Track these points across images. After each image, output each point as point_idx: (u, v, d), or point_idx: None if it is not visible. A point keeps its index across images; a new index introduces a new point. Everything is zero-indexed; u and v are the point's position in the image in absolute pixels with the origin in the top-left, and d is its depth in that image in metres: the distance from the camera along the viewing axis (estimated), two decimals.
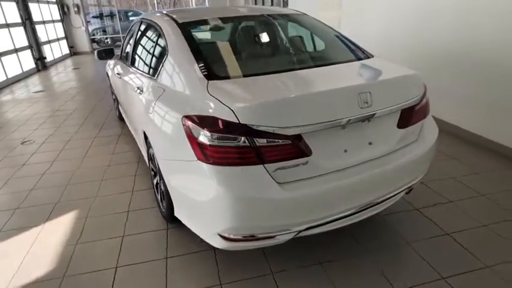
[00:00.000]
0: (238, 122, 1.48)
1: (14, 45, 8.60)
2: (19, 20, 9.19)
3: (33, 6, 10.02)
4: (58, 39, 11.78)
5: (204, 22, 2.45)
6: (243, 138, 1.48)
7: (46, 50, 10.39)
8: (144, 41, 2.89)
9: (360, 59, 2.24)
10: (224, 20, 2.51)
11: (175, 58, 2.06)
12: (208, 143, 1.51)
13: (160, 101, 2.05)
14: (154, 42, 2.53)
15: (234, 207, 1.52)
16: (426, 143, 1.98)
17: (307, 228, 1.67)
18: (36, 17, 10.16)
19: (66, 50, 12.37)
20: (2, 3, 8.29)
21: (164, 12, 2.59)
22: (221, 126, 1.50)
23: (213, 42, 2.48)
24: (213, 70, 1.88)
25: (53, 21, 11.71)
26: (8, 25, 8.51)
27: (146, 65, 2.61)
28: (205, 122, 1.55)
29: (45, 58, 10.08)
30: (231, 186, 1.51)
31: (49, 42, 10.91)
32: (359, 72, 2.09)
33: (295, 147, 1.55)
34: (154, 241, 2.27)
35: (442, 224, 2.29)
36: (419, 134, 1.99)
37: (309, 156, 1.59)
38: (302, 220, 1.64)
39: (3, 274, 2.05)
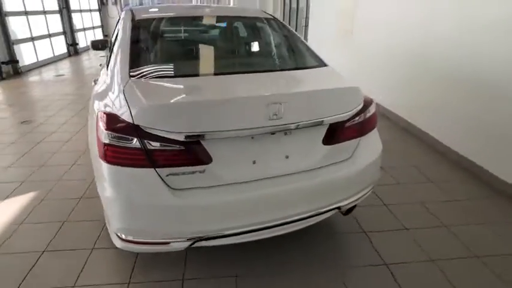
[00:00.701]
0: (132, 122, 1.44)
1: (48, 31, 9.15)
2: (56, 8, 9.77)
3: None
4: (93, 28, 12.44)
5: (161, 20, 2.44)
6: (135, 139, 1.44)
7: (81, 37, 10.98)
8: (114, 34, 2.93)
9: (307, 67, 2.15)
10: (182, 19, 2.51)
11: (116, 53, 2.06)
12: (104, 141, 1.48)
13: (94, 93, 2.08)
14: (115, 36, 2.55)
15: (122, 208, 1.51)
16: (361, 163, 1.84)
17: (206, 239, 1.61)
18: (74, 5, 10.75)
19: (100, 38, 12.99)
20: None
21: (130, 8, 2.61)
22: (116, 126, 1.46)
23: (158, 40, 2.45)
24: (140, 68, 1.85)
25: (90, 10, 12.34)
26: (45, 12, 9.07)
27: (107, 57, 2.64)
28: (107, 119, 1.51)
29: (77, 44, 10.65)
30: (121, 187, 1.49)
31: (84, 30, 11.52)
32: (286, 81, 1.96)
33: (189, 154, 1.50)
34: (90, 230, 2.31)
35: (385, 252, 2.12)
36: (354, 152, 1.85)
37: (207, 165, 1.53)
38: (198, 229, 1.56)
39: None
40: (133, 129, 1.44)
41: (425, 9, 3.77)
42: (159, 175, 1.48)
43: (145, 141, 1.44)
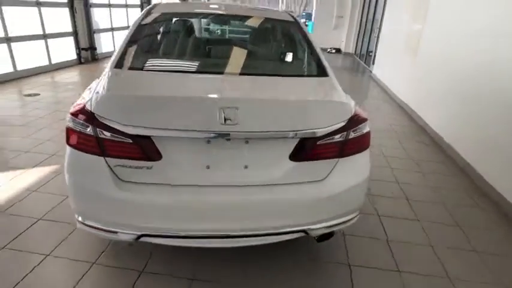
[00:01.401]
0: (90, 110, 1.50)
1: (128, 23, 10.07)
2: (138, 2, 10.69)
3: None
4: None
5: (176, 16, 2.52)
6: (90, 126, 1.49)
7: None
8: None
9: (303, 75, 2.05)
10: (196, 15, 2.54)
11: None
12: (67, 124, 1.56)
13: None
14: None
15: (74, 190, 1.58)
16: (335, 187, 1.65)
17: (151, 236, 1.60)
18: (155, 0, 11.66)
19: None
20: None
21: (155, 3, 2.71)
22: (77, 111, 1.53)
23: (163, 35, 2.47)
24: (128, 59, 1.90)
25: None
26: (126, 5, 10.00)
27: None
28: (74, 106, 1.59)
29: None
30: (74, 170, 1.57)
31: None
32: (264, 86, 1.82)
33: (137, 148, 1.50)
34: None
35: None
36: (330, 173, 1.66)
37: (155, 161, 1.52)
38: (141, 225, 1.56)
39: None
40: (90, 117, 1.49)
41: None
42: (108, 164, 1.51)
43: (98, 129, 1.48)
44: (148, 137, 1.48)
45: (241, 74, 1.93)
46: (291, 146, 1.59)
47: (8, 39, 5.99)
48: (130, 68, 1.86)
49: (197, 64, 2.18)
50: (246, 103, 1.53)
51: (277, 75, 2.01)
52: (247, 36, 2.69)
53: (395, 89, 6.27)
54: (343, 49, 12.96)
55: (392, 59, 6.78)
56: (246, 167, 1.60)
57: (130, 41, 2.04)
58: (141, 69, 1.89)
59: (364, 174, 1.75)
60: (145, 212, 1.54)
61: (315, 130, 1.56)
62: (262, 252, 2.07)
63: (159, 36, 2.45)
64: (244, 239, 1.65)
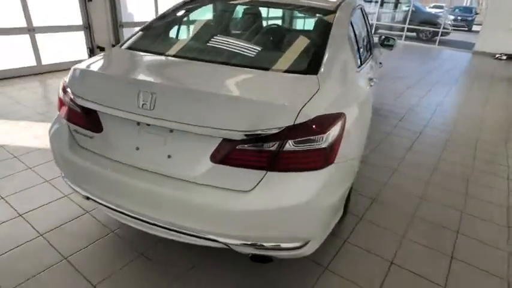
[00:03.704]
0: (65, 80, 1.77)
1: None
2: None
3: None
4: None
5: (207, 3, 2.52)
6: (63, 94, 1.75)
7: None
8: None
9: (283, 70, 1.70)
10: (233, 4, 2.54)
11: None
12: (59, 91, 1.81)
13: None
14: None
15: (49, 145, 1.84)
16: (259, 204, 1.40)
17: (96, 202, 1.72)
18: None
19: None
20: None
21: None
22: (63, 83, 1.78)
23: (183, 21, 2.51)
24: (134, 40, 2.10)
25: None
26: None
27: None
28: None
29: None
30: (52, 130, 1.84)
31: None
32: (221, 78, 1.66)
33: (82, 118, 1.66)
34: None
35: None
36: (257, 185, 1.41)
37: (96, 133, 1.64)
38: (84, 188, 1.72)
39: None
40: (64, 86, 1.75)
41: None
42: (69, 129, 1.74)
43: (65, 97, 1.73)
44: (94, 111, 1.61)
45: (218, 63, 1.80)
46: (212, 145, 1.45)
47: None
48: (128, 48, 2.02)
49: (185, 49, 2.11)
50: (164, 90, 1.49)
51: (256, 67, 1.75)
52: (270, 27, 2.51)
53: None
54: None
55: None
56: (169, 156, 1.53)
57: (150, 24, 2.24)
58: (134, 49, 2.00)
59: (303, 198, 1.43)
60: (86, 176, 1.68)
61: (233, 132, 1.37)
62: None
63: (178, 21, 2.46)
64: (171, 232, 1.58)
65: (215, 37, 2.28)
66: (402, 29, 13.00)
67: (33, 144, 3.09)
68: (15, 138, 3.17)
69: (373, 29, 13.52)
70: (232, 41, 2.23)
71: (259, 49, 2.11)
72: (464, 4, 14.25)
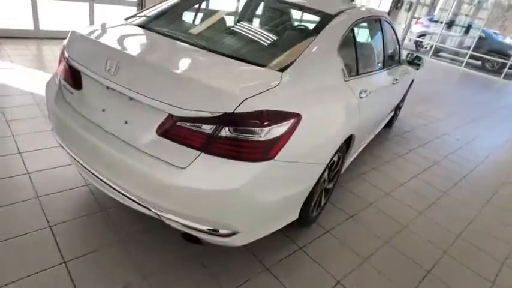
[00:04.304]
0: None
1: None
2: None
3: None
4: None
5: None
6: (61, 52, 1.94)
7: None
8: None
9: (253, 63, 1.72)
10: None
11: None
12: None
13: None
14: None
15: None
16: (189, 181, 1.44)
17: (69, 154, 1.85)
18: None
19: None
20: None
21: None
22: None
23: (187, 6, 2.54)
24: (136, 15, 2.26)
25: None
26: None
27: None
28: None
29: None
30: (49, 82, 2.05)
31: None
32: (190, 61, 1.73)
33: (69, 74, 1.81)
34: None
35: None
36: (191, 164, 1.46)
37: (76, 90, 1.79)
38: (59, 139, 1.88)
39: None
40: (64, 46, 1.92)
41: None
42: (60, 83, 1.92)
43: (62, 55, 1.90)
44: (78, 71, 1.76)
45: (194, 45, 1.85)
46: (160, 118, 1.51)
47: None
48: (127, 19, 2.18)
49: (170, 27, 2.17)
50: (127, 59, 1.59)
51: (228, 56, 1.77)
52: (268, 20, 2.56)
53: None
54: None
55: None
56: (126, 122, 1.61)
57: (158, 6, 2.35)
58: (130, 23, 2.12)
59: (230, 185, 1.45)
60: (62, 127, 1.82)
61: (176, 108, 1.44)
62: None
63: (181, 6, 2.48)
64: (118, 194, 1.67)
65: (205, 22, 2.34)
66: (466, 55, 12.10)
67: None
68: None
69: (433, 50, 12.75)
70: (219, 28, 2.27)
71: (240, 40, 2.13)
72: None
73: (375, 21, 2.80)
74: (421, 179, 3.34)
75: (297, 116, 1.53)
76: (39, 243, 1.79)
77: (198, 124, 1.42)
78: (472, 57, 12.12)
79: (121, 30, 1.99)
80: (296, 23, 2.38)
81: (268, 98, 1.46)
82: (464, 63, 12.05)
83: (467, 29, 13.80)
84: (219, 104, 1.40)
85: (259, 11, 2.56)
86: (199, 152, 1.45)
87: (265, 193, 1.53)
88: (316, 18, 2.14)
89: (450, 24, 13.69)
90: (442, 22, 13.07)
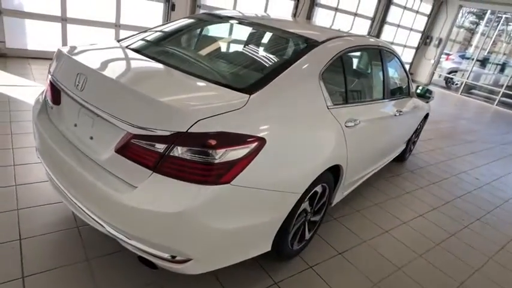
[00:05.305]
0: None
1: None
2: None
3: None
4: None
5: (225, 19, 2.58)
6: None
7: None
8: None
9: (221, 84, 1.70)
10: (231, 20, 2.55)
11: None
12: None
13: None
14: None
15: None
16: (138, 202, 1.39)
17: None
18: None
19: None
20: None
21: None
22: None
23: (176, 30, 2.50)
24: (135, 40, 2.24)
25: (405, 46, 12.54)
26: None
27: None
28: None
29: None
30: (37, 98, 2.14)
31: None
32: (159, 80, 1.75)
33: (50, 89, 1.89)
34: None
35: None
36: (142, 184, 1.42)
37: (56, 105, 1.85)
38: (39, 155, 1.91)
39: None
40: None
41: None
42: (45, 99, 1.99)
43: (48, 71, 1.98)
44: (59, 87, 1.80)
45: (167, 65, 1.86)
46: (119, 135, 1.50)
47: None
48: (126, 47, 2.12)
49: (149, 47, 2.18)
50: (94, 75, 1.62)
51: (199, 76, 1.76)
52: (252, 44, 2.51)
53: None
54: None
55: None
56: (91, 138, 1.63)
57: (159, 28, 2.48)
58: (121, 46, 2.14)
59: (178, 208, 1.37)
60: (40, 139, 1.85)
61: (131, 125, 1.43)
62: None
63: (170, 30, 2.48)
64: (81, 211, 1.64)
65: (184, 44, 2.39)
66: (499, 93, 11.59)
67: None
68: None
69: (463, 87, 12.31)
70: (197, 49, 2.31)
71: (215, 61, 2.15)
72: None
73: (373, 51, 2.74)
74: (427, 219, 3.09)
75: (261, 140, 1.47)
76: (3, 256, 1.78)
77: (151, 142, 1.40)
78: (505, 95, 11.59)
79: (102, 49, 2.04)
80: (278, 48, 2.37)
81: (228, 120, 1.43)
82: (497, 101, 11.51)
83: (502, 66, 13.33)
84: (173, 122, 1.37)
85: (241, 35, 2.59)
86: (151, 172, 1.41)
87: (220, 219, 1.45)
88: (301, 44, 2.11)
89: (483, 62, 13.30)
90: (473, 59, 12.75)
